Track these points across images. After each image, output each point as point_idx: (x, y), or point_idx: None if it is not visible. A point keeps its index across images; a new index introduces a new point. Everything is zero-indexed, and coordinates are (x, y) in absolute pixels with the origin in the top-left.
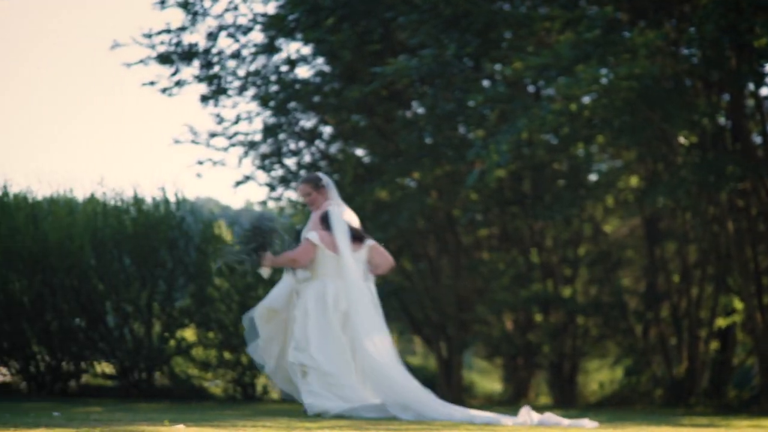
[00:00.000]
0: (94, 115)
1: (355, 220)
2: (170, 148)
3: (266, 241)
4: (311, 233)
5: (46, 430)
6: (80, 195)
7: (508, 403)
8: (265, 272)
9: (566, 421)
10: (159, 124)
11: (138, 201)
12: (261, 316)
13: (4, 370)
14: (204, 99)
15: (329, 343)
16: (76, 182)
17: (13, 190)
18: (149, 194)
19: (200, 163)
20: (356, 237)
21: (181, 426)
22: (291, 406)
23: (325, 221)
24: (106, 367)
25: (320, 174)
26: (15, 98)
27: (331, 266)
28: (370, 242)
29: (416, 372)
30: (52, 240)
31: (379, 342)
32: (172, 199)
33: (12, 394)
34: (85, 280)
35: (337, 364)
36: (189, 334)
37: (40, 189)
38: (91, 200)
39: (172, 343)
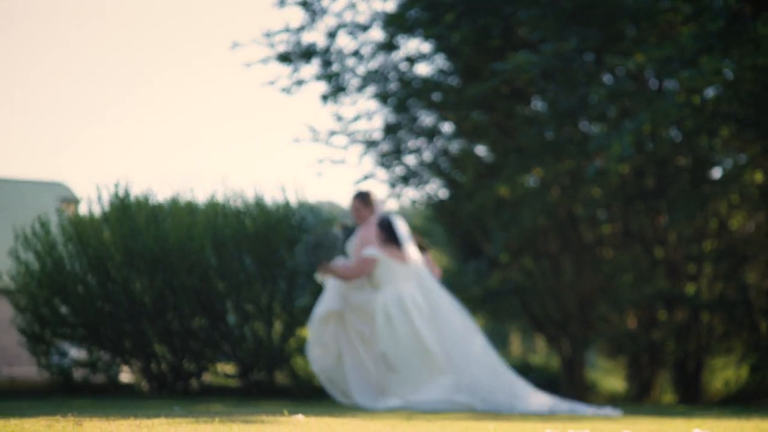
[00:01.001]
0: (214, 115)
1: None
2: (290, 147)
3: (329, 253)
4: (369, 249)
5: (165, 420)
6: (201, 195)
7: (632, 401)
8: (320, 277)
9: (590, 410)
10: (279, 124)
11: (258, 201)
12: (321, 320)
13: (126, 369)
14: (323, 98)
15: (415, 344)
16: (196, 182)
17: (134, 191)
18: (269, 194)
19: (320, 161)
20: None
21: (300, 416)
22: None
23: (388, 229)
24: (226, 367)
25: (371, 192)
26: (135, 100)
27: (398, 271)
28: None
29: (538, 371)
30: (173, 240)
31: (471, 333)
32: (292, 198)
33: (134, 394)
34: (205, 280)
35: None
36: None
37: (161, 190)
38: (212, 201)
39: (293, 342)
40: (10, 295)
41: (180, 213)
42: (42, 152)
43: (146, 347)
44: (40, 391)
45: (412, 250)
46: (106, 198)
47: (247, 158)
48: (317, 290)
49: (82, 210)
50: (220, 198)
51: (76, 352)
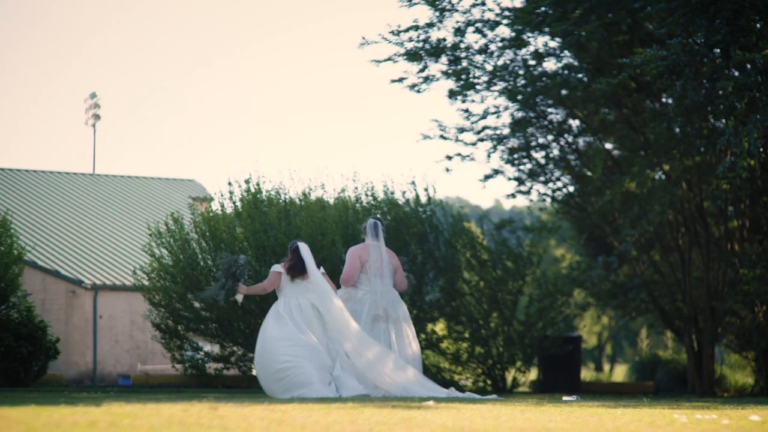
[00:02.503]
0: (343, 111)
1: (386, 256)
2: (419, 144)
3: (238, 275)
4: (277, 266)
5: (299, 405)
6: (331, 190)
7: (761, 395)
8: (239, 298)
9: (478, 396)
10: (407, 120)
11: (389, 196)
12: None
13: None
14: (452, 94)
15: (294, 343)
16: (326, 178)
17: (266, 187)
18: (399, 189)
19: (449, 158)
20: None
21: (431, 402)
22: (540, 395)
23: (295, 252)
24: None
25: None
26: (265, 97)
27: (292, 288)
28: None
29: (667, 365)
30: (305, 235)
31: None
32: (421, 194)
33: None
34: (337, 274)
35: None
36: (439, 327)
37: (292, 186)
38: (342, 196)
39: (422, 336)
40: (144, 291)
41: (311, 208)
42: (174, 151)
43: None
44: (174, 385)
45: (313, 269)
46: (238, 194)
47: (377, 154)
48: (447, 285)
49: (215, 206)
50: (350, 193)
51: (209, 347)
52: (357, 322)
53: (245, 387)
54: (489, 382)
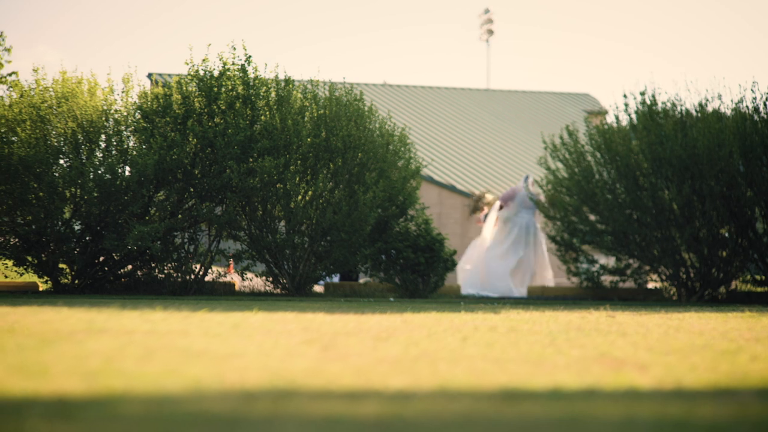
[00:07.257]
0: (740, 21)
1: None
2: None
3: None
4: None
5: (695, 314)
6: (728, 101)
7: None
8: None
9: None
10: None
11: None
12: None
13: (654, 276)
14: None
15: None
16: (724, 89)
17: (661, 99)
18: None
19: None
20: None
21: None
22: None
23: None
24: (756, 274)
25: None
26: (657, 7)
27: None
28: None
29: None
30: (701, 147)
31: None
32: None
33: (662, 300)
34: (734, 186)
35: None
36: None
37: (688, 97)
38: (738, 107)
39: None
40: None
41: (708, 120)
42: (568, 65)
43: (674, 254)
44: (569, 297)
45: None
46: (633, 106)
47: None
48: None
49: (609, 119)
50: (748, 104)
51: (604, 260)
52: (511, 233)
53: (641, 299)
54: None
